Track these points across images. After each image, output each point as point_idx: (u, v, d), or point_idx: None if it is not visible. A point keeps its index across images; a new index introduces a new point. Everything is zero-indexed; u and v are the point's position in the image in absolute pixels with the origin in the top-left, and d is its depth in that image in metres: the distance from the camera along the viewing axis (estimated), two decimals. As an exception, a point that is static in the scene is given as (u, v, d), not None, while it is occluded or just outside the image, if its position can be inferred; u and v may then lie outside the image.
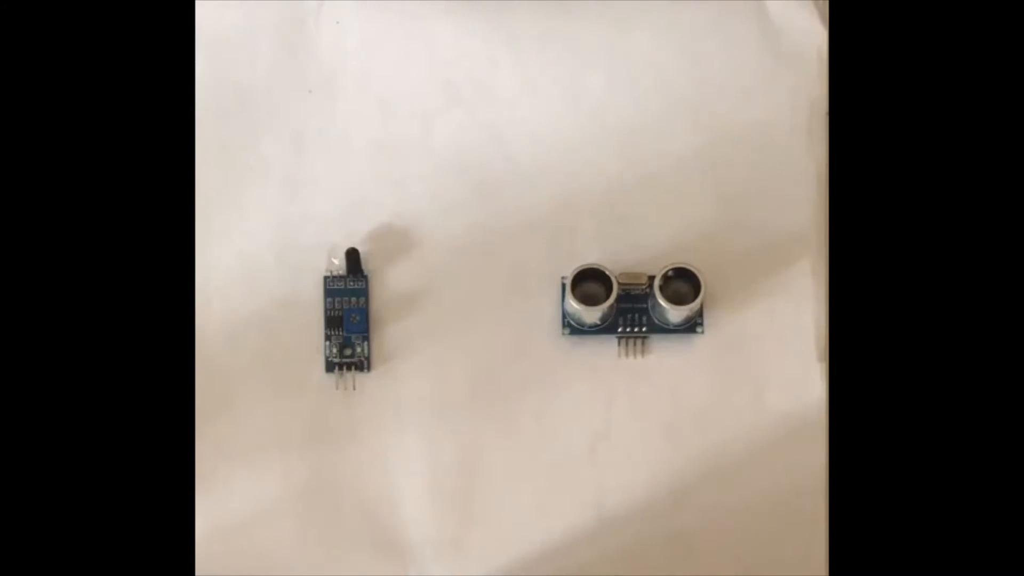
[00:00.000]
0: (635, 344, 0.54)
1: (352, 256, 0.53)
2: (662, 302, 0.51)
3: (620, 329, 0.53)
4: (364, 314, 0.54)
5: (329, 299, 0.54)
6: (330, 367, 0.54)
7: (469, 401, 0.54)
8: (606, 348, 0.54)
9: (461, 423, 0.54)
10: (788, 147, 0.55)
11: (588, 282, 0.52)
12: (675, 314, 0.52)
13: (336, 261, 0.54)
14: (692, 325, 0.54)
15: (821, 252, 0.54)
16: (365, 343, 0.54)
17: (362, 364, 0.54)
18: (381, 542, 0.53)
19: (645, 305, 0.53)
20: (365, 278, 0.54)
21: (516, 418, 0.54)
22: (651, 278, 0.52)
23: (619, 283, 0.52)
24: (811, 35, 0.55)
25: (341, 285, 0.54)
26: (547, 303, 0.54)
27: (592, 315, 0.52)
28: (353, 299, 0.54)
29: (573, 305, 0.52)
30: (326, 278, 0.54)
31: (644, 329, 0.54)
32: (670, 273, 0.52)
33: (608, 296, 0.52)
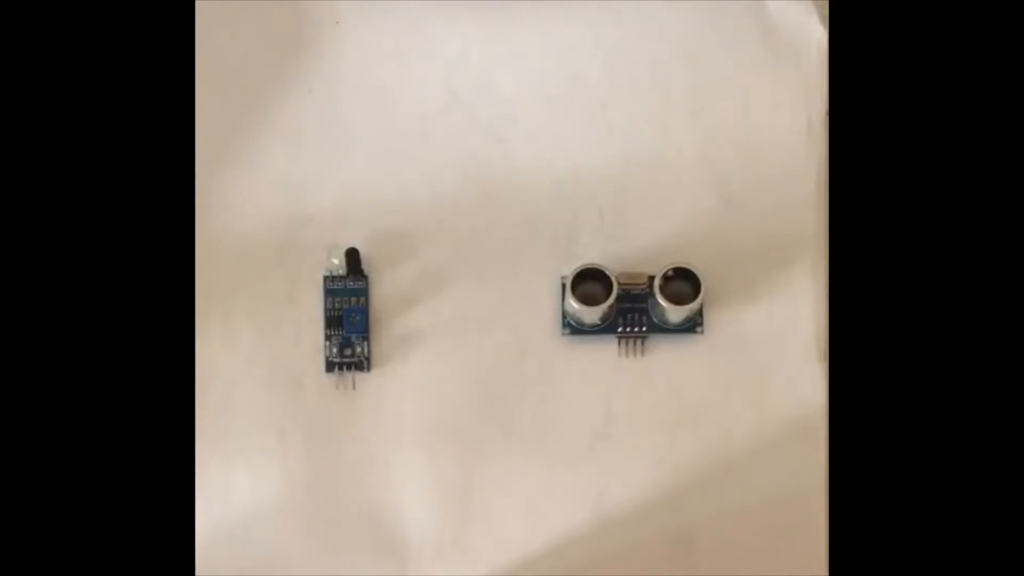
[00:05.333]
0: (635, 344, 0.54)
1: (352, 256, 0.53)
2: (662, 302, 0.51)
3: (620, 329, 0.53)
4: (364, 314, 0.54)
5: (329, 299, 0.54)
6: (330, 367, 0.54)
7: (469, 401, 0.54)
8: (606, 348, 0.54)
9: (461, 423, 0.54)
10: (788, 147, 0.55)
11: (588, 282, 0.52)
12: (675, 314, 0.52)
13: (336, 261, 0.54)
14: (692, 325, 0.54)
15: (821, 252, 0.54)
16: (365, 343, 0.54)
17: (362, 364, 0.54)
18: (381, 542, 0.53)
19: (645, 305, 0.53)
20: (365, 278, 0.54)
21: (516, 418, 0.54)
22: (651, 278, 0.52)
23: (619, 283, 0.52)
24: (811, 35, 0.55)
25: (341, 285, 0.54)
26: (547, 303, 0.54)
27: (592, 315, 0.52)
28: (353, 299, 0.54)
29: (573, 305, 0.52)
30: (326, 278, 0.54)
31: (644, 329, 0.54)
32: (670, 273, 0.52)
33: (608, 296, 0.52)
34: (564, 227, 0.54)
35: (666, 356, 0.54)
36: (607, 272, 0.52)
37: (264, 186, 0.55)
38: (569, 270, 0.52)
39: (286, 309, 0.54)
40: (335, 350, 0.54)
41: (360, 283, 0.54)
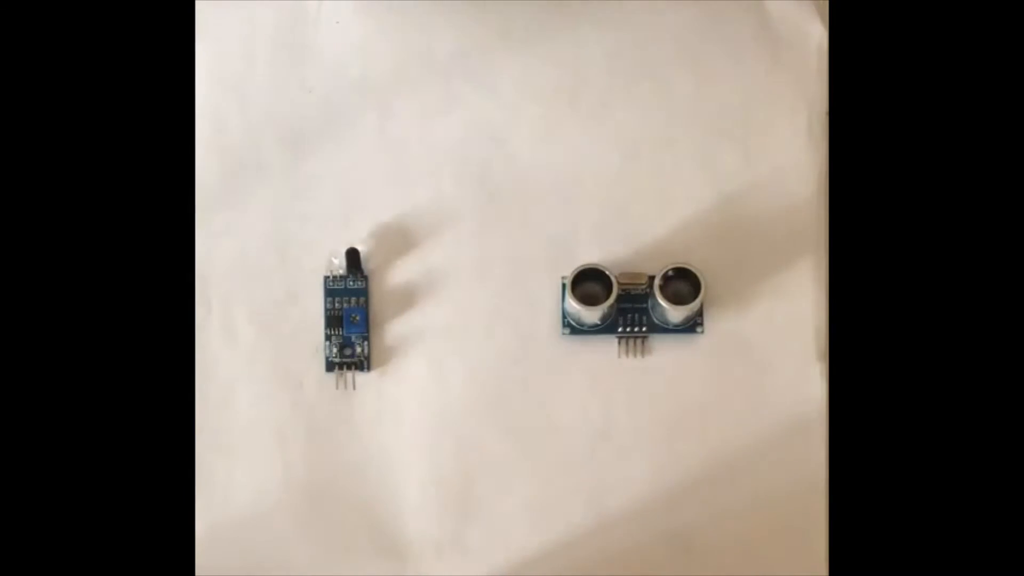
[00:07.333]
0: (635, 344, 0.54)
1: (352, 256, 0.53)
2: (662, 302, 0.51)
3: (620, 329, 0.53)
4: (364, 314, 0.54)
5: (329, 299, 0.54)
6: (330, 367, 0.54)
7: (469, 401, 0.54)
8: (606, 348, 0.54)
9: (461, 423, 0.54)
10: (788, 147, 0.55)
11: (588, 282, 0.52)
12: (675, 314, 0.52)
13: (336, 261, 0.54)
14: (692, 325, 0.54)
15: (821, 252, 0.54)
16: (365, 343, 0.54)
17: (362, 364, 0.54)
18: (381, 542, 0.53)
19: (645, 305, 0.53)
20: (365, 278, 0.54)
21: (516, 418, 0.54)
22: (651, 278, 0.52)
23: (619, 283, 0.52)
24: (811, 35, 0.55)
25: (341, 285, 0.54)
26: (547, 303, 0.54)
27: (592, 315, 0.52)
28: (353, 299, 0.54)
29: (573, 305, 0.52)
30: (326, 278, 0.54)
31: (644, 329, 0.54)
32: (670, 273, 0.52)
33: (608, 296, 0.52)
34: (564, 227, 0.54)
35: (666, 356, 0.54)
36: (607, 272, 0.52)
37: (264, 185, 0.55)
38: (569, 270, 0.52)
39: (286, 309, 0.54)
40: (335, 350, 0.54)
41: (360, 283, 0.54)
